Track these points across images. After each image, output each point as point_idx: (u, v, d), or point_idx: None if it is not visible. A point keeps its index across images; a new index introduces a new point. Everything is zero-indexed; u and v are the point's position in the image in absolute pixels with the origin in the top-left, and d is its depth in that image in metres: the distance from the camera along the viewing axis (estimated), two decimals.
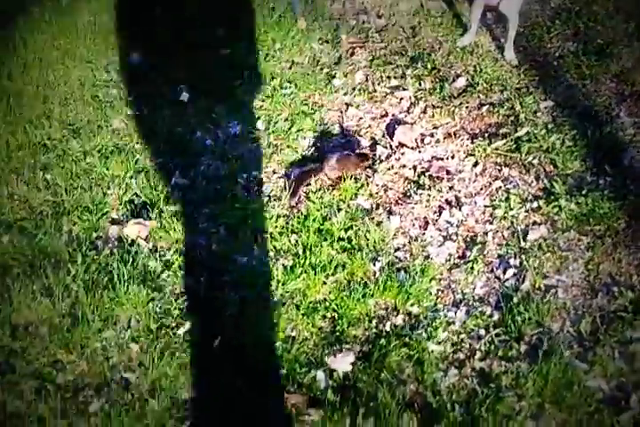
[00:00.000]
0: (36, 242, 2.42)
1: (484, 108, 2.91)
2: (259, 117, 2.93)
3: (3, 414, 1.91)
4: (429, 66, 3.11)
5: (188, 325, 2.19)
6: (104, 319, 2.19)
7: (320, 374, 2.06)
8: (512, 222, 2.49)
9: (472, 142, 2.79)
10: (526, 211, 2.52)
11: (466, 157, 2.75)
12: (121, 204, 2.61)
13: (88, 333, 2.12)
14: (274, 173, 2.72)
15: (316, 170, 2.63)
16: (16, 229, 2.49)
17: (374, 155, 2.75)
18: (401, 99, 3.00)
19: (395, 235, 2.48)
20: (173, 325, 2.19)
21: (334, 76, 3.12)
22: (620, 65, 3.10)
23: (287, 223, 2.49)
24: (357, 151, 2.73)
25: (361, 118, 2.93)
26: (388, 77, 3.10)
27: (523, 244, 2.42)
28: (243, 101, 3.01)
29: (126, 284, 2.26)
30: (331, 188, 2.63)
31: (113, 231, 2.50)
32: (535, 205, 2.53)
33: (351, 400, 1.94)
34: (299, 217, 2.50)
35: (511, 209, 2.53)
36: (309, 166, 2.65)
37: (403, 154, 2.77)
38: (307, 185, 2.62)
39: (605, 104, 2.92)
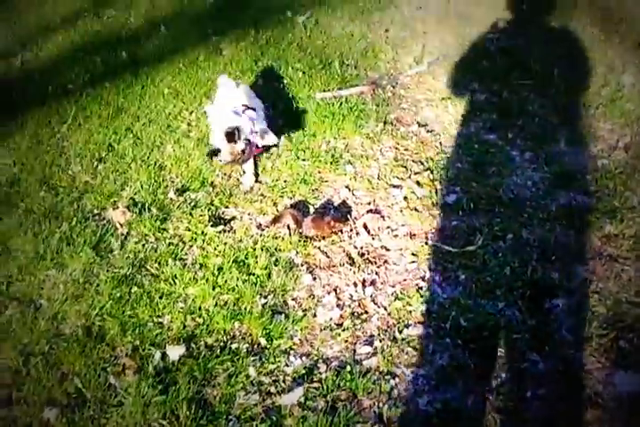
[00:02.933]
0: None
1: (453, 224, 3.43)
2: (271, 174, 3.81)
3: None
4: (431, 177, 3.74)
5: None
6: (54, 260, 3.15)
7: (157, 354, 2.73)
8: (400, 317, 2.95)
9: (424, 245, 3.32)
10: (422, 313, 2.97)
11: (411, 255, 3.29)
12: (131, 198, 3.63)
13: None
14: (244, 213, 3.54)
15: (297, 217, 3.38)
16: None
17: (347, 220, 3.43)
18: (392, 196, 3.66)
19: (299, 288, 3.10)
20: (94, 286, 3.06)
21: (351, 163, 3.90)
22: None
23: (224, 244, 3.27)
24: (333, 215, 3.43)
25: (346, 199, 3.64)
26: (395, 177, 3.78)
27: (397, 334, 2.87)
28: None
29: (84, 244, 3.21)
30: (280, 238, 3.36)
31: (109, 211, 3.50)
32: (423, 310, 2.98)
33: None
34: (234, 242, 3.27)
35: (410, 305, 3.00)
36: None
37: (358, 235, 3.40)
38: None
39: None
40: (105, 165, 3.88)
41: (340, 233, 3.40)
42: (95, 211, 3.53)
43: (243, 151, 3.53)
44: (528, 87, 4.58)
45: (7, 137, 4.15)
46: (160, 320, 2.90)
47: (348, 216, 3.49)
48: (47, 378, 2.64)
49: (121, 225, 3.42)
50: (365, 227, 3.45)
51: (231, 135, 3.46)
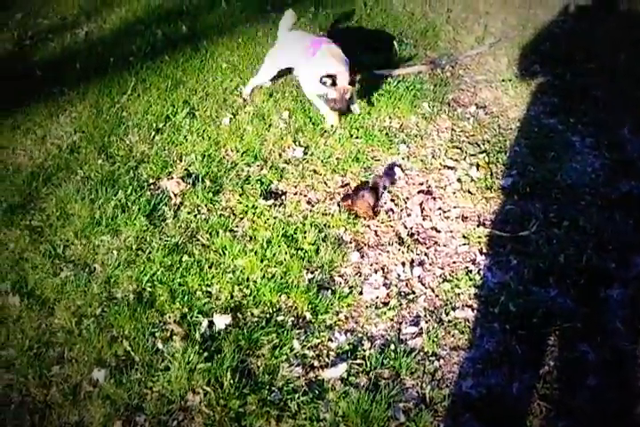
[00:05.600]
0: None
1: (507, 208, 3.32)
2: (323, 151, 3.74)
3: None
4: (487, 160, 3.62)
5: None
6: (109, 226, 3.19)
7: (204, 322, 2.74)
8: (448, 299, 2.89)
9: (476, 228, 3.22)
10: (470, 297, 2.89)
11: (462, 237, 3.20)
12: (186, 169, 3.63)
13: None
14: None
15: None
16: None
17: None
18: (446, 177, 3.56)
19: (346, 265, 3.05)
20: (146, 253, 3.08)
21: (405, 143, 3.80)
22: None
23: (274, 217, 3.26)
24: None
25: (398, 179, 3.55)
26: (450, 158, 3.68)
27: (443, 316, 2.81)
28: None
29: (138, 212, 3.24)
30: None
31: (164, 181, 3.51)
32: (472, 294, 2.90)
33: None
34: (284, 217, 3.24)
35: (458, 288, 2.93)
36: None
37: (409, 215, 3.33)
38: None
39: None
40: (162, 136, 3.88)
41: (391, 212, 3.34)
42: (150, 180, 3.54)
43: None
44: (592, 72, 4.37)
45: (69, 106, 4.20)
46: (208, 289, 2.91)
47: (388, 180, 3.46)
48: (98, 339, 2.68)
49: (175, 195, 3.43)
50: (417, 207, 3.37)
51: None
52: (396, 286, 2.96)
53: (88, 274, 2.99)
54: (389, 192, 3.45)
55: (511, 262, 3.02)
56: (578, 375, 2.52)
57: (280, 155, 3.75)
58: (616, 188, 3.42)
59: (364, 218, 3.30)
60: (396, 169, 3.59)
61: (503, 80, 4.38)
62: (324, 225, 3.25)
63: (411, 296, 2.91)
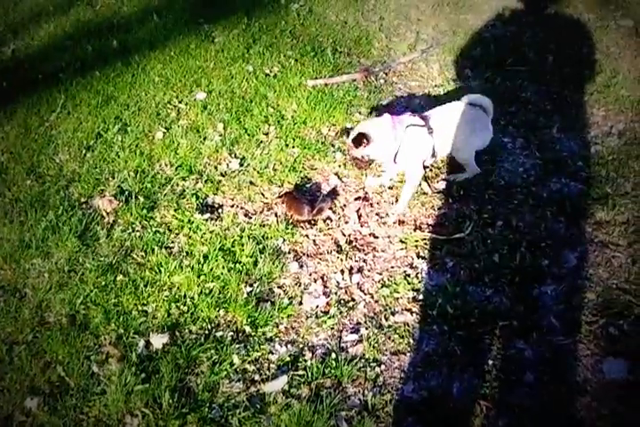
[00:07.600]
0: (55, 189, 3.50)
1: (442, 211, 3.38)
2: (260, 162, 3.74)
3: None
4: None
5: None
6: (40, 249, 3.10)
7: (141, 342, 2.69)
8: (387, 304, 2.91)
9: (412, 232, 3.27)
10: (408, 301, 2.92)
11: (399, 242, 3.24)
12: (119, 186, 3.57)
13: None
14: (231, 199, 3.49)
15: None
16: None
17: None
18: (380, 185, 3.60)
19: (285, 276, 3.05)
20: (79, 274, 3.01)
21: (341, 151, 3.83)
22: None
23: (211, 231, 3.23)
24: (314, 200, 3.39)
25: (336, 187, 3.57)
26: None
27: (383, 321, 2.83)
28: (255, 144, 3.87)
29: (69, 232, 3.17)
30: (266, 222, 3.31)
31: (96, 200, 3.45)
32: (410, 297, 2.94)
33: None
34: (220, 230, 3.22)
35: (397, 292, 2.96)
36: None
37: (347, 223, 3.35)
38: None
39: None
40: (93, 153, 3.82)
41: (329, 220, 3.36)
42: (82, 199, 3.47)
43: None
44: (522, 74, 4.51)
45: None
46: (144, 308, 2.86)
47: (331, 204, 3.43)
48: (30, 367, 2.61)
49: (107, 213, 3.37)
50: (354, 214, 3.40)
51: (357, 140, 3.23)
52: (335, 293, 2.97)
53: (18, 299, 2.90)
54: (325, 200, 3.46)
55: (447, 264, 3.07)
56: (516, 372, 2.57)
57: (216, 167, 3.73)
58: (547, 186, 3.52)
59: (298, 223, 3.31)
60: (334, 179, 3.62)
61: (436, 86, 4.47)
62: (262, 237, 3.24)
63: (350, 304, 2.92)
